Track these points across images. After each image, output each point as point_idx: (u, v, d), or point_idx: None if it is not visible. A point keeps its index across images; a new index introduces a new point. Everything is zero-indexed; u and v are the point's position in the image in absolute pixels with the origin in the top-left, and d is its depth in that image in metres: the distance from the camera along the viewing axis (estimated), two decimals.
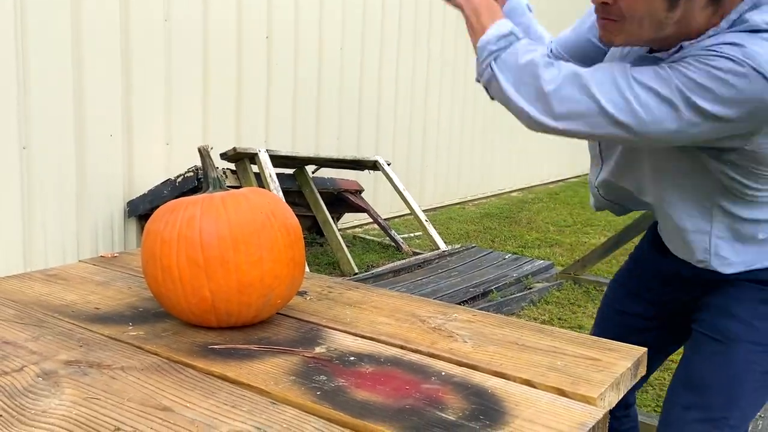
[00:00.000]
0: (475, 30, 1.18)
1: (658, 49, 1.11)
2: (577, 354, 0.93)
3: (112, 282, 1.24)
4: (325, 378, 0.84)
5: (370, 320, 1.07)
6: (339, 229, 4.20)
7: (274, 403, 0.79)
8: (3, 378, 0.84)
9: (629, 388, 0.91)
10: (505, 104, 1.14)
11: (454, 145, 6.06)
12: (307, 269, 3.29)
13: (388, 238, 4.48)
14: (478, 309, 3.10)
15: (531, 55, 1.10)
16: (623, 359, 0.92)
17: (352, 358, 0.90)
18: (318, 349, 0.93)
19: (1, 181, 2.97)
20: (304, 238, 4.33)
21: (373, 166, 4.39)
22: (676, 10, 1.01)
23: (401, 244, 4.37)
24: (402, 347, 0.95)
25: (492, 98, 1.19)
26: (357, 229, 5.03)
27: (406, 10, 5.29)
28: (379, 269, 3.72)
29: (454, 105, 6.03)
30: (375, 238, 4.68)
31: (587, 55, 1.28)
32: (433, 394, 0.79)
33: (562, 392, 0.82)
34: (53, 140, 3.16)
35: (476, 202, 6.38)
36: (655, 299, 1.36)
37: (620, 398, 0.89)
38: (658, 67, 1.02)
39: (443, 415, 0.74)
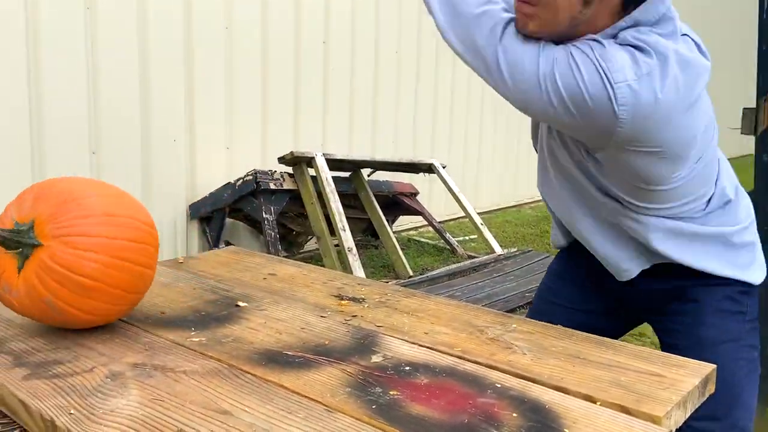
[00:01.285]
0: None
1: None
2: (641, 370, 0.90)
3: (174, 283, 1.28)
4: (380, 390, 0.84)
5: (428, 329, 1.06)
6: (394, 232, 4.21)
7: (329, 411, 0.80)
8: (75, 378, 0.88)
9: (696, 407, 0.88)
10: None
11: (511, 147, 5.98)
12: (362, 274, 3.32)
13: (443, 241, 4.46)
14: None
15: None
16: (691, 376, 0.88)
17: (407, 368, 0.90)
18: (374, 358, 0.94)
19: None
20: (359, 240, 4.38)
21: (429, 168, 4.37)
22: (590, 8, 1.04)
23: (456, 247, 4.34)
24: (460, 357, 0.94)
25: None
26: (412, 232, 5.02)
27: None
28: (434, 272, 3.70)
29: (511, 107, 5.94)
30: (430, 241, 4.66)
31: None
32: (489, 409, 0.78)
33: (625, 409, 0.79)
34: (120, 145, 3.30)
35: (533, 205, 6.27)
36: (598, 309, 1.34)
37: (687, 417, 0.85)
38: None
39: None
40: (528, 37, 1.07)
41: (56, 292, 0.95)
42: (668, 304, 1.23)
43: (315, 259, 3.98)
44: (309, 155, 3.61)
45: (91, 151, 3.18)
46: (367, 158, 4.07)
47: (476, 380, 0.86)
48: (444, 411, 0.78)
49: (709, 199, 1.17)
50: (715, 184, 1.18)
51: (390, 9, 4.68)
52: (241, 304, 1.17)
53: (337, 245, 3.61)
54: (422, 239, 4.77)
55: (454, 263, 3.99)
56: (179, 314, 1.12)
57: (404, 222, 4.93)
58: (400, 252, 3.87)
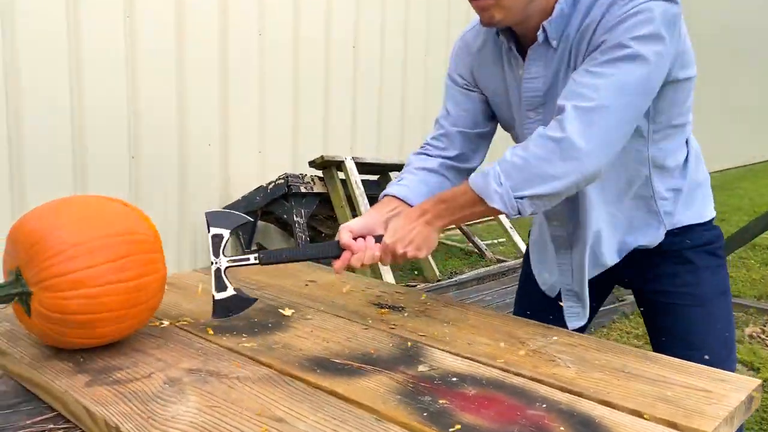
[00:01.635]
0: (469, 209, 1.13)
1: (529, 45, 1.16)
2: (686, 384, 0.91)
3: None
4: (429, 399, 0.86)
5: (469, 339, 1.08)
6: None
7: (378, 420, 0.82)
8: (135, 384, 0.92)
9: (742, 422, 0.88)
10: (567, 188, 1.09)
11: None
12: (391, 277, 3.34)
13: (470, 244, 4.46)
14: None
15: (519, 152, 1.09)
16: (736, 391, 0.89)
17: (454, 379, 0.92)
18: (420, 368, 0.96)
19: (114, 189, 3.20)
20: None
21: None
22: None
23: (484, 250, 4.34)
24: (504, 370, 0.96)
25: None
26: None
27: None
28: (463, 276, 3.71)
29: None
30: (457, 244, 4.67)
31: (480, 115, 1.34)
32: (538, 420, 0.80)
33: (672, 425, 0.80)
34: (158, 150, 3.38)
35: None
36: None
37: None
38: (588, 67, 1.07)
39: None
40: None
41: (60, 332, 0.97)
42: (664, 267, 1.29)
43: None
44: (339, 159, 3.65)
45: (131, 155, 3.26)
46: (396, 161, 4.10)
47: (524, 393, 0.88)
48: (494, 421, 0.80)
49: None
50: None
51: (419, 12, 4.70)
52: (287, 312, 1.20)
53: None
54: (449, 242, 4.78)
55: (482, 267, 3.99)
56: (230, 321, 1.15)
57: None
58: (429, 255, 3.89)
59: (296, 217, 3.57)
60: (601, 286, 1.41)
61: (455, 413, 0.82)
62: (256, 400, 0.87)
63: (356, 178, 3.63)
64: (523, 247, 4.17)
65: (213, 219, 1.15)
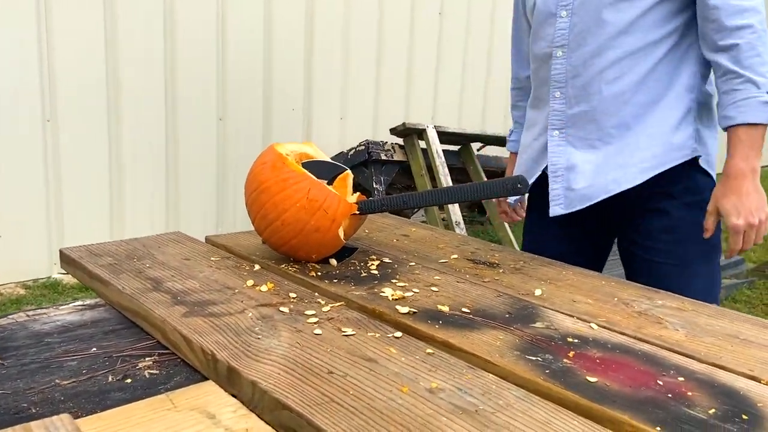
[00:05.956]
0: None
1: None
2: None
3: None
4: (551, 357, 0.81)
5: (568, 298, 1.03)
6: None
7: (471, 368, 0.79)
8: (229, 318, 0.93)
9: None
10: None
11: None
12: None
13: None
14: None
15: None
16: None
17: (576, 341, 0.87)
18: (538, 325, 0.91)
19: (203, 152, 3.31)
20: (465, 215, 4.34)
21: None
22: None
23: None
24: (607, 328, 0.90)
25: None
26: None
27: None
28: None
29: None
30: None
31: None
32: (675, 388, 0.74)
33: None
34: (244, 114, 3.45)
35: None
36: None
37: None
38: None
39: (692, 412, 0.69)
40: None
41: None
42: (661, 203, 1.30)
43: None
44: (421, 127, 3.60)
45: (219, 117, 3.35)
46: (478, 132, 4.01)
47: (654, 359, 0.81)
48: (624, 384, 0.74)
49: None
50: None
51: None
52: (386, 260, 1.18)
53: (444, 219, 3.60)
54: None
55: None
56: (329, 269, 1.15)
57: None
58: (508, 229, 3.80)
59: (375, 184, 3.56)
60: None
61: (580, 373, 0.76)
62: (346, 341, 0.86)
63: (437, 147, 3.58)
64: None
65: (309, 169, 1.15)
